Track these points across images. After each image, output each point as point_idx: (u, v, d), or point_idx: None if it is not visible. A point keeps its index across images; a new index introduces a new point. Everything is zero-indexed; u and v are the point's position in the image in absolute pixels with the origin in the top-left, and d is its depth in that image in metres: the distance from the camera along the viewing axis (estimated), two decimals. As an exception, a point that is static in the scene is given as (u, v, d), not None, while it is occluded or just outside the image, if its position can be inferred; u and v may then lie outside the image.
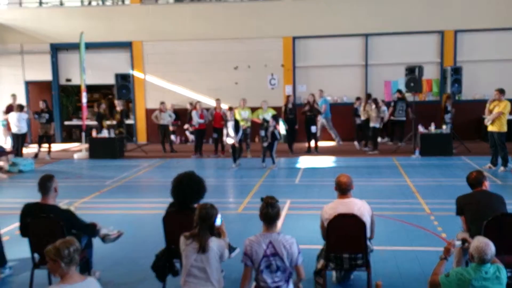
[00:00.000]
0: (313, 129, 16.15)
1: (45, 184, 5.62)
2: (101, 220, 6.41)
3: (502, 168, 12.52)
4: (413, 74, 15.57)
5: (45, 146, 16.46)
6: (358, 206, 5.40)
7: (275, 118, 14.10)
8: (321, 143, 17.11)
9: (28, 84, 20.78)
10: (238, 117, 15.03)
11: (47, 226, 5.45)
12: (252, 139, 16.12)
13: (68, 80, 20.82)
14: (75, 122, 21.13)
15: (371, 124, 16.03)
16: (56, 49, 20.54)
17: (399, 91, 17.51)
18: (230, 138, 13.95)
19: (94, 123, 18.34)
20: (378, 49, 19.03)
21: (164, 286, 5.57)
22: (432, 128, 15.27)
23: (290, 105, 16.37)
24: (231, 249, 5.32)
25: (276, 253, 4.40)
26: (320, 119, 17.29)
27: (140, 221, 9.03)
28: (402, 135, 17.32)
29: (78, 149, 18.14)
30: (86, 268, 5.83)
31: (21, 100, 19.02)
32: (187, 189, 5.47)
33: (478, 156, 14.59)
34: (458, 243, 4.91)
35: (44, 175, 5.73)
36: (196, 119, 16.10)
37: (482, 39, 18.52)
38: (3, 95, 19.70)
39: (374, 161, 14.57)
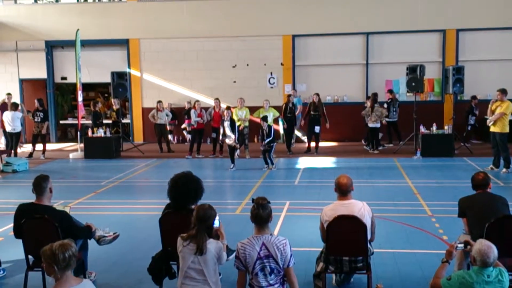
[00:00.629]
0: (317, 129, 16.05)
1: (40, 185, 5.53)
2: (96, 221, 6.30)
3: (504, 169, 12.44)
4: (415, 73, 15.50)
5: (39, 145, 16.32)
6: (358, 207, 5.33)
7: (265, 119, 13.95)
8: (321, 144, 16.98)
9: (23, 82, 20.66)
10: (235, 117, 14.89)
11: (42, 227, 5.37)
12: (251, 139, 15.99)
13: (64, 78, 20.69)
14: (70, 121, 21.02)
15: (370, 125, 15.93)
16: (51, 46, 20.43)
17: (390, 91, 17.40)
18: (228, 138, 13.82)
19: (89, 122, 18.18)
20: (379, 48, 18.95)
21: (160, 289, 5.48)
22: (434, 128, 15.17)
23: (290, 105, 16.27)
24: (229, 251, 5.23)
25: (269, 255, 4.35)
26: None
27: (137, 222, 8.94)
28: (399, 135, 17.20)
29: (74, 148, 18.00)
30: (81, 269, 5.73)
31: (16, 98, 18.87)
32: (184, 189, 5.39)
33: (480, 157, 14.51)
34: (460, 245, 4.83)
35: (38, 176, 5.64)
36: (194, 118, 15.97)
37: (484, 38, 18.45)
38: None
39: (375, 162, 14.48)
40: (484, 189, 5.61)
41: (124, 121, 19.60)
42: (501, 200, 5.54)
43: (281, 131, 17.09)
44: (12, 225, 5.65)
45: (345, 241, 5.23)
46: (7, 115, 15.54)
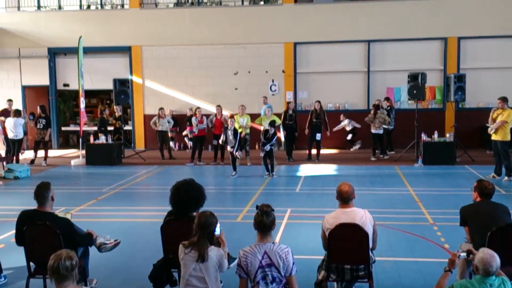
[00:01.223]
0: (318, 136, 16.06)
1: (42, 193, 5.51)
2: (98, 228, 6.29)
3: (506, 177, 12.40)
4: (416, 81, 15.50)
5: (41, 152, 16.33)
6: (360, 215, 5.30)
7: (272, 124, 13.94)
8: (323, 151, 16.97)
9: (25, 88, 20.70)
10: (236, 124, 14.88)
11: (44, 234, 5.35)
12: (252, 147, 15.98)
13: (66, 85, 20.73)
14: (72, 127, 21.03)
15: (374, 131, 15.93)
16: (54, 53, 20.49)
17: (387, 99, 17.38)
18: (230, 145, 13.82)
19: (93, 128, 18.18)
20: (381, 56, 18.98)
21: (161, 296, 5.45)
22: (435, 136, 15.15)
23: (290, 112, 16.27)
24: (231, 259, 5.21)
25: (271, 264, 4.34)
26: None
27: (138, 229, 8.90)
28: (391, 143, 17.17)
29: (75, 155, 18.01)
30: (82, 277, 5.70)
31: (18, 105, 18.91)
32: (186, 197, 5.36)
33: (482, 165, 14.47)
34: (463, 254, 4.80)
35: (40, 184, 5.62)
36: (196, 125, 15.96)
37: (485, 46, 18.48)
38: (0, 99, 19.57)
39: (376, 170, 14.45)
40: (488, 198, 5.60)
41: (126, 127, 19.62)
42: (503, 208, 5.51)
43: (282, 138, 17.08)
44: (13, 231, 5.64)
45: (347, 249, 5.19)
46: (10, 122, 15.56)
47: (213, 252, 4.44)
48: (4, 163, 14.51)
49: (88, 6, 21.16)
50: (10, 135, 15.60)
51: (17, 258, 6.21)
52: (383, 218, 8.78)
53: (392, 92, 18.80)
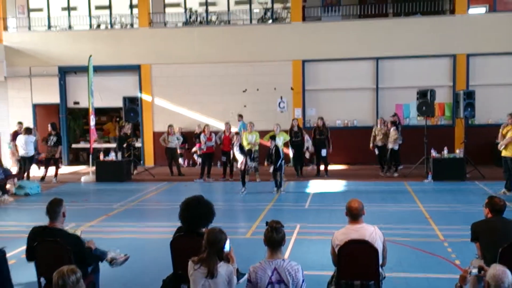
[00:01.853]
0: (323, 152, 16.07)
1: (54, 209, 5.55)
2: (108, 244, 6.32)
3: (517, 193, 12.33)
4: (425, 98, 15.52)
5: (51, 169, 16.43)
6: (370, 232, 5.27)
7: (273, 138, 14.03)
8: (332, 167, 16.93)
9: (36, 106, 20.88)
10: (245, 141, 14.91)
11: (54, 250, 5.36)
12: (261, 162, 15.98)
13: (76, 103, 20.92)
14: (82, 144, 21.15)
15: (390, 146, 15.90)
16: (65, 72, 20.70)
17: (395, 115, 17.33)
18: (238, 162, 13.86)
19: (102, 145, 18.26)
20: (389, 73, 19.01)
21: (171, 312, 5.43)
22: (445, 152, 15.10)
23: (295, 129, 16.30)
24: (240, 275, 5.20)
25: (281, 280, 4.33)
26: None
27: (148, 245, 8.92)
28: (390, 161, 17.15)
29: (85, 172, 18.10)
30: (92, 293, 5.71)
31: (29, 123, 19.06)
32: (195, 213, 5.37)
33: (492, 181, 14.38)
34: (474, 270, 4.75)
35: (53, 200, 5.65)
36: (204, 142, 16.03)
37: (494, 63, 18.47)
38: (11, 118, 19.77)
39: (386, 186, 14.42)
40: (499, 214, 5.57)
41: (137, 144, 19.73)
42: (514, 224, 5.48)
43: (291, 155, 17.10)
44: (24, 247, 5.67)
45: (357, 265, 5.17)
46: (21, 139, 15.70)
47: (222, 268, 4.43)
48: (15, 180, 14.61)
49: (98, 26, 21.42)
50: (21, 153, 15.72)
51: (28, 273, 6.22)
52: (393, 234, 8.73)
53: (401, 108, 18.78)
